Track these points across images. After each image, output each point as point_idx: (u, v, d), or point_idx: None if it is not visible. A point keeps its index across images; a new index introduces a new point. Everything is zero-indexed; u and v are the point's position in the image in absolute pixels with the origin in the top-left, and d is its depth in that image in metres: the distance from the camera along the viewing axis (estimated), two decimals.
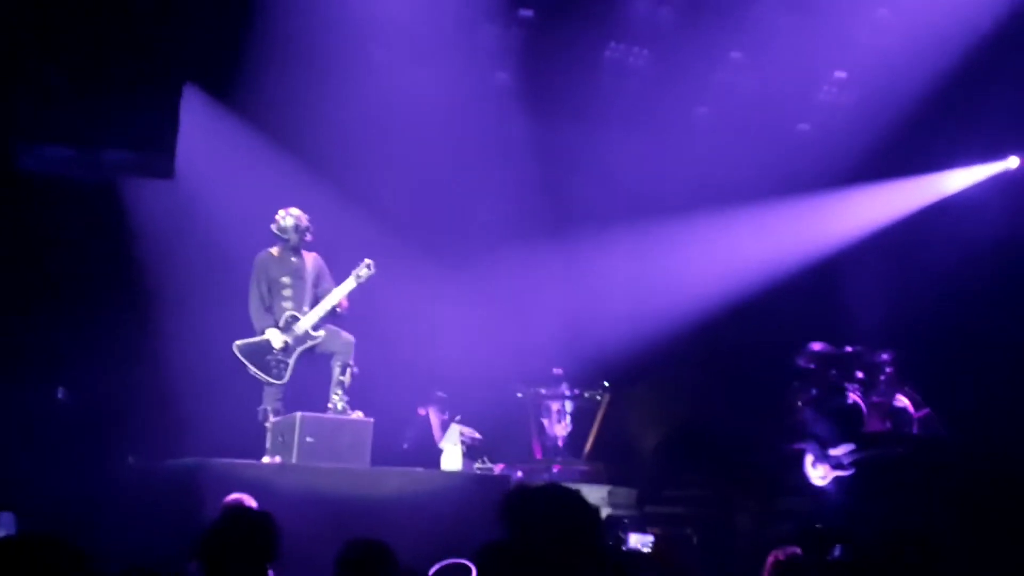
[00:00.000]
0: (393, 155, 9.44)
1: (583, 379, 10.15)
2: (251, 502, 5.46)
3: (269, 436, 7.23)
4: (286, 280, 7.58)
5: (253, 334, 7.45)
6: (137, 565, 4.03)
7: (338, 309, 7.53)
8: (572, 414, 9.98)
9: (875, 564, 4.19)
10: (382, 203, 9.53)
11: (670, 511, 9.74)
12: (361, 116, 9.16)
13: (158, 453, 7.65)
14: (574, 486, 3.11)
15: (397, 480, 7.10)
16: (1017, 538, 6.76)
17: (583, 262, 10.36)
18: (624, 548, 7.82)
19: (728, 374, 10.25)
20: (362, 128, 9.17)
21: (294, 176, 8.94)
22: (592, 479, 9.22)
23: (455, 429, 8.19)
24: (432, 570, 4.50)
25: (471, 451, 8.07)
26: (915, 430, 8.27)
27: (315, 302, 7.57)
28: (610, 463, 9.86)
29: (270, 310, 7.51)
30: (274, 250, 7.65)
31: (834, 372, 8.24)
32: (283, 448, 7.02)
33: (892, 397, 8.36)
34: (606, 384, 10.23)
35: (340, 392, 7.38)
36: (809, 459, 8.07)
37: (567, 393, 9.99)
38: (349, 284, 7.55)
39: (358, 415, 7.33)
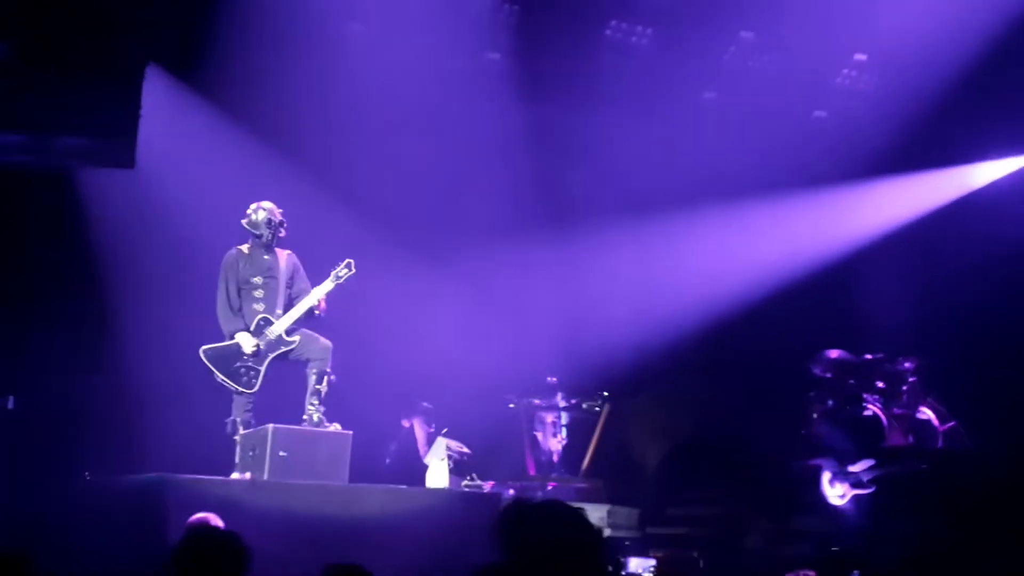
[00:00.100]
0: (375, 143, 9.44)
1: (581, 388, 10.18)
2: (218, 522, 5.47)
3: (239, 450, 7.23)
4: (257, 280, 7.58)
5: (221, 338, 7.45)
6: None
7: (316, 311, 7.55)
8: (568, 426, 10.02)
9: None
10: (363, 196, 9.53)
11: (674, 532, 9.76)
12: (340, 100, 9.16)
13: (117, 467, 7.65)
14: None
15: (378, 498, 7.11)
16: None
17: (581, 261, 10.39)
18: (624, 573, 7.86)
19: (738, 383, 10.28)
20: (341, 114, 9.17)
21: (267, 166, 8.96)
22: (590, 497, 9.24)
23: (441, 443, 8.21)
24: None
25: (459, 467, 8.10)
26: (940, 444, 8.32)
27: (289, 304, 7.58)
28: (610, 480, 9.89)
29: (240, 312, 7.52)
30: (244, 247, 7.65)
31: (852, 381, 8.29)
32: (254, 463, 7.02)
33: (915, 409, 8.41)
34: (605, 394, 10.26)
35: (316, 402, 7.39)
36: (826, 476, 8.11)
37: (562, 404, 10.01)
38: (327, 286, 7.56)
39: (336, 427, 7.34)
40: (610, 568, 7.62)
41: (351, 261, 7.58)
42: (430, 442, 8.84)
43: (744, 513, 9.72)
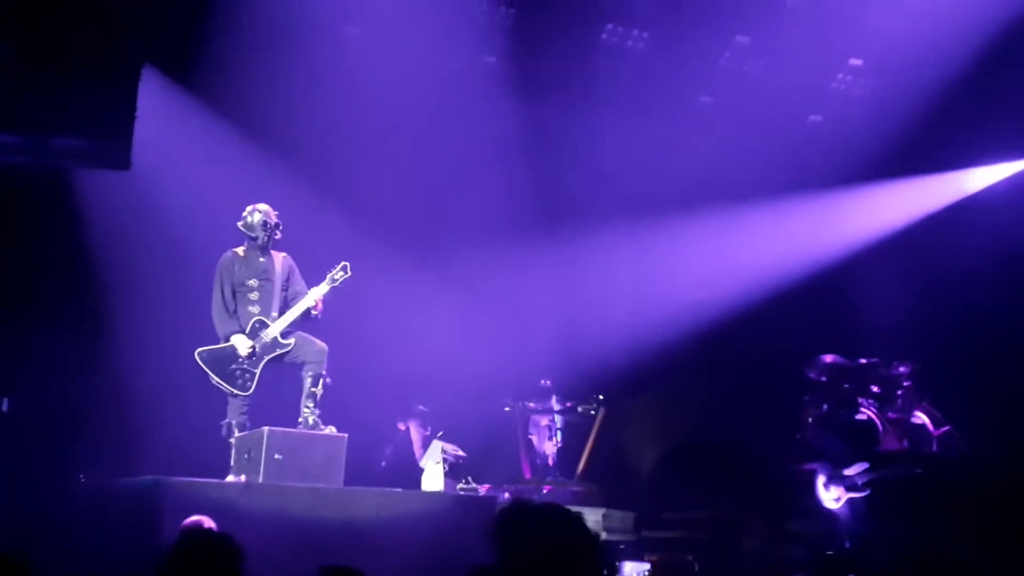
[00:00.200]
0: (371, 145, 9.44)
1: (576, 391, 10.18)
2: (211, 524, 5.46)
3: (234, 452, 7.22)
4: (252, 282, 7.57)
5: (216, 341, 7.44)
6: None
7: (313, 312, 7.53)
8: (563, 430, 10.01)
9: None
10: (359, 199, 9.52)
11: (670, 535, 9.77)
12: (336, 102, 9.16)
13: (112, 470, 7.63)
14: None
15: (373, 501, 7.09)
16: None
17: (577, 263, 10.40)
18: None
19: (733, 387, 10.29)
20: (337, 116, 9.17)
21: (263, 168, 8.94)
22: (585, 501, 9.24)
23: (437, 446, 8.21)
24: None
25: (454, 470, 8.09)
26: (935, 449, 8.33)
27: (284, 306, 7.57)
28: (605, 483, 9.89)
29: (235, 315, 7.50)
30: (240, 249, 7.64)
31: (847, 386, 8.30)
32: (249, 466, 7.01)
33: (910, 413, 8.43)
34: (601, 397, 10.26)
35: (311, 405, 7.38)
36: (821, 480, 8.12)
37: (557, 407, 10.01)
38: (323, 288, 7.55)
39: (331, 430, 7.32)
40: (605, 572, 7.62)
41: (347, 264, 7.58)
42: (426, 445, 8.84)
43: (739, 517, 9.71)
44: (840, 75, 10.23)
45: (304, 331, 7.56)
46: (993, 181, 10.29)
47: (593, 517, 8.75)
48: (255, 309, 7.51)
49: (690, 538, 9.65)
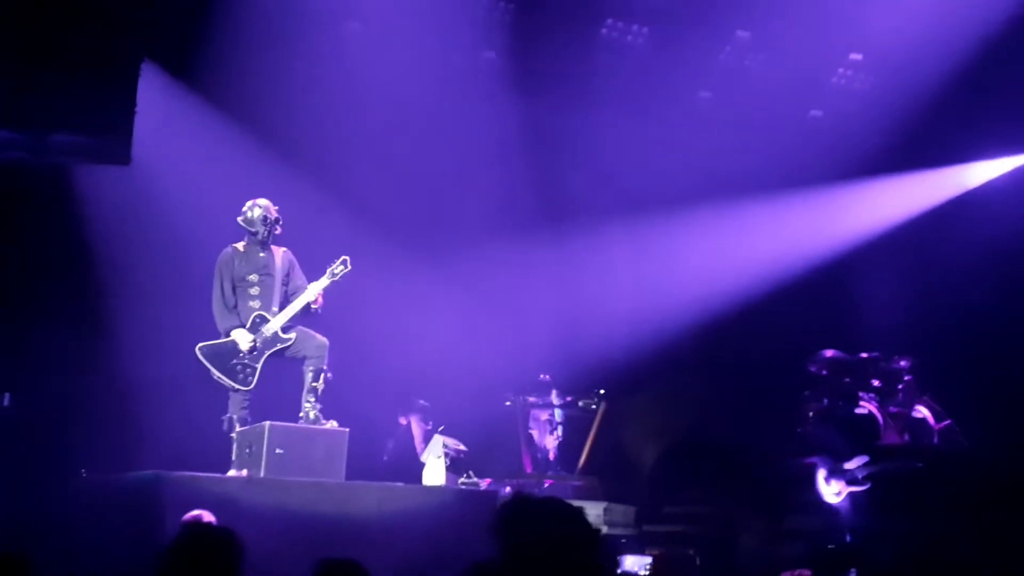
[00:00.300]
0: (371, 142, 9.44)
1: (577, 386, 10.19)
2: (211, 518, 5.46)
3: (235, 447, 7.22)
4: (253, 277, 7.57)
5: (217, 336, 7.44)
6: None
7: (313, 307, 7.53)
8: (564, 424, 10.01)
9: None
10: (359, 194, 9.53)
11: (671, 530, 9.78)
12: (336, 98, 9.16)
13: (114, 465, 7.62)
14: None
15: (375, 496, 7.10)
16: None
17: (577, 259, 10.40)
18: (620, 572, 7.85)
19: (734, 382, 10.30)
20: (337, 112, 9.18)
21: (263, 164, 8.94)
22: (587, 495, 9.24)
23: (438, 440, 8.20)
24: None
25: (455, 464, 8.09)
26: (935, 443, 8.33)
27: (285, 301, 7.57)
28: (606, 478, 9.89)
29: (235, 310, 7.50)
30: (240, 245, 7.64)
31: (848, 380, 8.28)
32: (250, 460, 7.01)
33: (911, 407, 8.42)
34: (602, 392, 10.26)
35: (313, 399, 7.38)
36: (821, 474, 8.11)
37: (557, 401, 10.01)
38: (323, 282, 7.55)
39: (332, 425, 7.33)
40: (606, 565, 7.62)
41: (347, 258, 7.58)
42: (427, 440, 8.83)
43: (740, 512, 9.73)
44: (840, 70, 10.22)
45: (305, 326, 7.56)
46: (993, 176, 10.29)
47: (594, 511, 8.75)
48: (255, 304, 7.51)
49: (691, 532, 9.66)
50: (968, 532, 7.04)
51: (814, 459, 8.25)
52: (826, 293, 10.37)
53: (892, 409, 8.37)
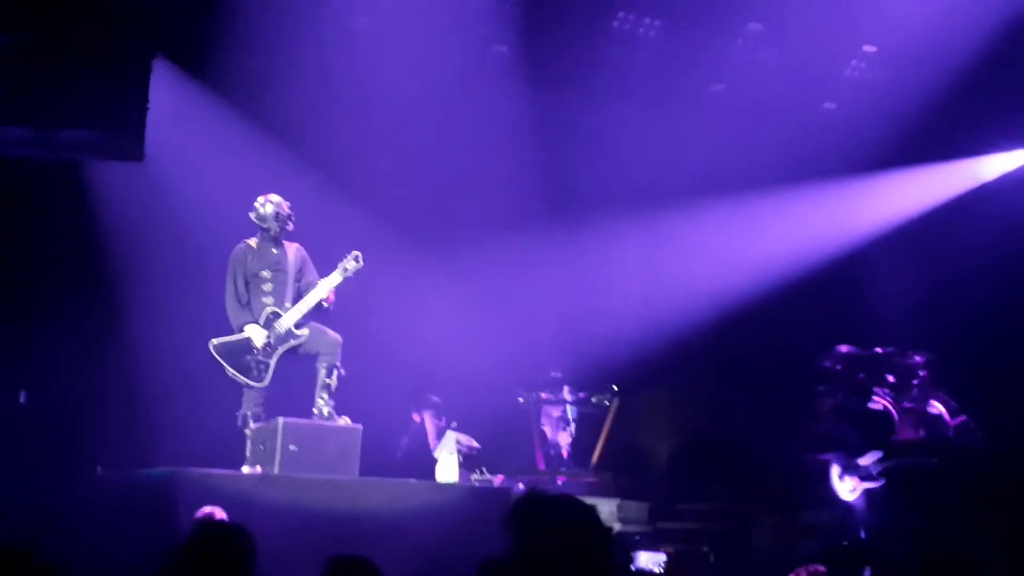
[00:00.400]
0: (382, 137, 9.44)
1: (590, 383, 10.19)
2: (222, 515, 5.50)
3: (249, 444, 7.26)
4: (266, 274, 7.60)
5: (230, 332, 7.47)
6: None
7: (324, 303, 7.56)
8: (576, 421, 10.02)
9: None
10: (370, 189, 9.54)
11: (684, 527, 9.79)
12: (347, 93, 9.17)
13: (129, 462, 7.66)
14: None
15: (388, 492, 7.13)
16: None
17: (589, 254, 10.40)
18: (633, 567, 7.86)
19: (747, 378, 10.29)
20: (348, 106, 9.18)
21: (274, 159, 8.96)
22: (600, 492, 9.26)
23: (451, 437, 8.23)
24: None
25: (468, 461, 8.12)
26: (951, 439, 8.30)
27: (298, 297, 7.60)
28: (619, 474, 9.90)
29: (248, 306, 7.53)
30: (252, 241, 7.67)
31: (862, 375, 8.26)
32: (264, 457, 7.05)
33: (926, 403, 8.39)
34: (615, 388, 10.26)
35: (326, 396, 7.41)
36: (835, 471, 8.10)
37: (569, 398, 10.02)
38: (335, 278, 7.57)
39: (345, 421, 7.36)
40: (619, 562, 7.64)
41: (358, 254, 7.59)
42: (440, 436, 8.86)
43: (754, 508, 9.72)
44: (854, 62, 10.17)
45: (317, 322, 7.58)
46: (1008, 169, 10.24)
47: (607, 508, 8.77)
48: (268, 300, 7.54)
49: (705, 529, 9.67)
50: (984, 528, 7.03)
51: (828, 455, 8.23)
52: (840, 287, 10.33)
53: (907, 405, 8.35)
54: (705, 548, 8.95)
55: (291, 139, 9.20)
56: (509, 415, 10.00)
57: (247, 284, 7.58)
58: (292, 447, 6.95)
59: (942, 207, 10.32)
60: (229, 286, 7.58)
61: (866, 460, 7.98)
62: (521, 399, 10.12)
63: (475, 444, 8.28)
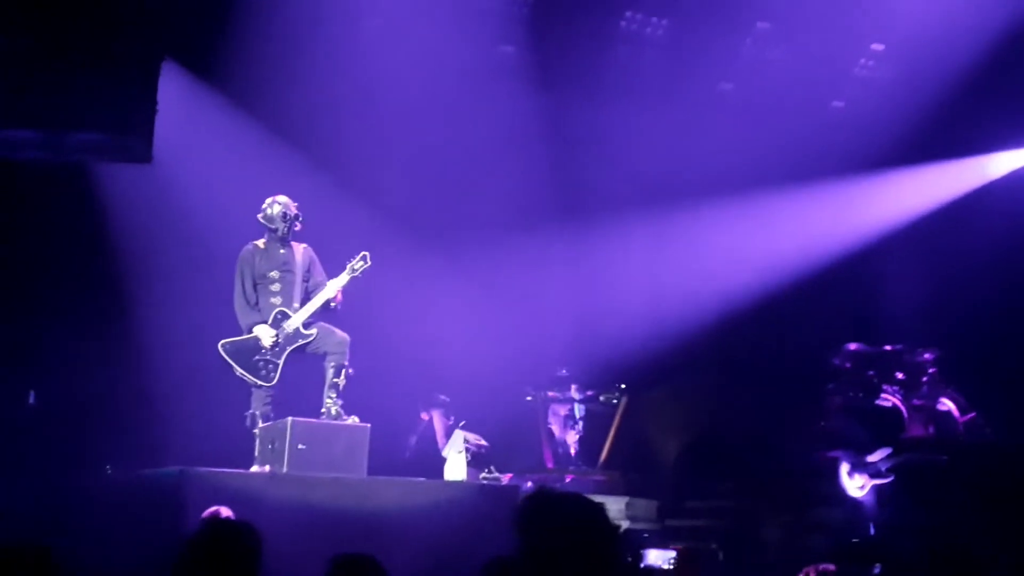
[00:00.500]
0: (390, 137, 9.46)
1: (598, 381, 10.18)
2: (228, 514, 5.50)
3: (258, 443, 7.27)
4: (274, 274, 7.62)
5: (239, 332, 7.48)
6: None
7: (332, 303, 7.57)
8: (584, 419, 10.02)
9: None
10: (378, 190, 9.56)
11: (693, 524, 9.78)
12: (354, 94, 9.19)
13: (138, 461, 7.69)
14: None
15: (396, 491, 7.13)
16: None
17: (597, 253, 10.39)
18: (642, 565, 7.85)
19: (756, 376, 10.27)
20: (356, 107, 9.20)
21: (282, 161, 8.98)
22: (609, 490, 9.27)
23: (459, 435, 8.22)
24: None
25: (477, 459, 8.11)
26: (961, 435, 8.28)
27: (306, 297, 7.62)
28: (628, 472, 9.90)
29: (257, 307, 7.55)
30: (260, 242, 7.69)
31: (872, 373, 8.26)
32: (273, 456, 7.06)
33: (935, 400, 8.38)
34: (623, 386, 10.25)
35: (334, 395, 7.42)
36: (845, 468, 8.09)
37: (576, 396, 10.02)
38: (343, 279, 7.58)
39: (354, 420, 7.36)
40: (629, 559, 7.63)
41: (366, 254, 7.61)
42: (449, 434, 8.86)
43: (763, 506, 9.70)
44: (862, 60, 10.17)
45: (325, 322, 7.59)
46: (1017, 166, 10.21)
47: (616, 506, 8.76)
48: (277, 300, 7.56)
49: (714, 527, 9.65)
50: (993, 525, 7.00)
51: (837, 452, 8.22)
52: (849, 285, 10.31)
53: (916, 402, 8.34)
54: (714, 546, 8.93)
55: (299, 140, 9.21)
56: (517, 414, 10.00)
57: (255, 285, 7.60)
58: (301, 446, 6.96)
59: (950, 204, 10.29)
60: (237, 287, 7.60)
61: (875, 457, 7.97)
62: (529, 398, 10.12)
63: (483, 443, 8.28)
